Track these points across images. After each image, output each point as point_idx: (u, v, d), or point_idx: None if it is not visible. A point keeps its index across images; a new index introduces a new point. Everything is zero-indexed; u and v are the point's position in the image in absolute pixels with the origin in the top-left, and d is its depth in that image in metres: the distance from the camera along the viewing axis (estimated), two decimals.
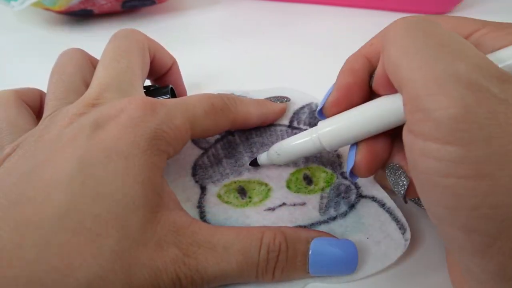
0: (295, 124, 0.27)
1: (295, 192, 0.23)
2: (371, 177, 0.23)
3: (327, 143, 0.20)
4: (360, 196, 0.22)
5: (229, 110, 0.22)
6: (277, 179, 0.23)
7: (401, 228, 0.20)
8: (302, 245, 0.19)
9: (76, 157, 0.17)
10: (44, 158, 0.17)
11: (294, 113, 0.27)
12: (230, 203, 0.22)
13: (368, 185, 0.23)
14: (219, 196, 0.23)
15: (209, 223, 0.21)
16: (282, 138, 0.25)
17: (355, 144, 0.20)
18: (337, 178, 0.24)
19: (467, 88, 0.13)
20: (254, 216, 0.22)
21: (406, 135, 0.15)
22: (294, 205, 0.22)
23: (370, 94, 0.20)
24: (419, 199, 0.19)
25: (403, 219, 0.21)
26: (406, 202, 0.19)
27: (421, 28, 0.15)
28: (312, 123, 0.26)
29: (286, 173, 0.24)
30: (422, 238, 0.21)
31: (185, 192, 0.23)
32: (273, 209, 0.22)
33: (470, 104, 0.13)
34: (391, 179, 0.19)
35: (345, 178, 0.24)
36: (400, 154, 0.19)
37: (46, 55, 0.38)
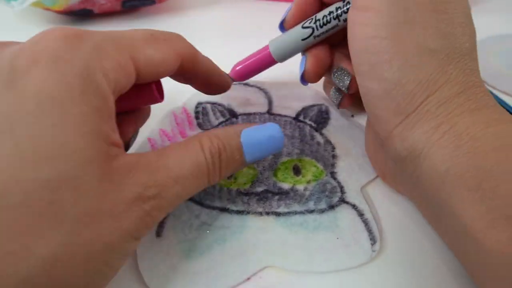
0: (301, 117, 0.28)
1: (281, 181, 0.24)
2: (358, 187, 0.24)
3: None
4: (343, 201, 0.23)
5: (173, 41, 0.20)
6: (266, 167, 0.25)
7: (372, 239, 0.21)
8: (235, 139, 0.20)
9: None
10: None
11: (303, 108, 0.29)
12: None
13: (353, 192, 0.24)
14: None
15: (194, 198, 0.23)
16: (285, 128, 0.27)
17: (304, 56, 0.25)
18: (326, 175, 0.24)
19: None
20: (238, 197, 0.23)
21: (350, 13, 0.20)
22: (276, 193, 0.23)
23: (320, 8, 0.24)
24: (352, 106, 0.27)
25: (376, 232, 0.21)
26: (339, 106, 0.26)
27: None
28: (318, 121, 0.28)
29: (277, 160, 0.25)
30: (390, 252, 0.21)
31: None
32: (256, 193, 0.23)
33: None
34: (337, 78, 0.25)
35: (334, 178, 0.24)
36: (342, 60, 0.25)
37: None
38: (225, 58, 0.35)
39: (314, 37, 0.24)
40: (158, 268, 0.20)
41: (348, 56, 0.22)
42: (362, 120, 0.28)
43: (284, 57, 0.26)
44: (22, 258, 0.13)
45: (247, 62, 0.27)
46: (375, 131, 0.21)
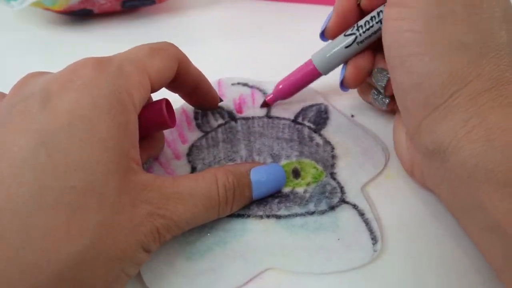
0: (299, 119, 0.28)
1: None
2: (358, 187, 0.24)
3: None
4: (343, 201, 0.23)
5: (169, 50, 0.22)
6: None
7: (373, 239, 0.21)
8: (246, 177, 0.22)
9: (33, 130, 0.16)
10: None
11: (302, 109, 0.29)
12: None
13: (353, 193, 0.23)
14: None
15: None
16: (283, 132, 0.27)
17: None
18: (326, 176, 0.24)
19: None
20: None
21: (385, 10, 0.20)
22: (276, 196, 0.23)
23: (360, 16, 0.24)
24: (388, 98, 0.26)
25: (377, 232, 0.21)
26: (385, 104, 0.25)
27: None
28: (317, 122, 0.28)
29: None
30: (392, 251, 0.21)
31: (175, 172, 0.25)
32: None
33: None
34: (376, 78, 0.25)
35: (334, 179, 0.24)
36: (382, 61, 0.24)
37: (46, 55, 0.38)
38: (225, 58, 0.35)
39: (358, 43, 0.24)
40: (159, 270, 0.20)
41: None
42: (362, 119, 0.28)
43: (329, 69, 0.26)
44: (54, 254, 0.15)
45: (291, 79, 0.27)
46: (405, 124, 0.22)
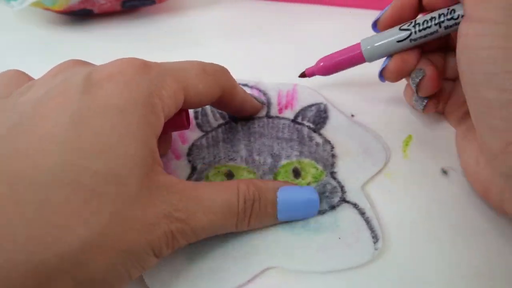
0: (299, 119, 0.28)
1: None
2: (358, 186, 0.24)
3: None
4: (344, 200, 0.23)
5: (219, 76, 0.23)
6: (266, 171, 0.25)
7: (374, 237, 0.21)
8: (271, 194, 0.21)
9: (70, 110, 0.17)
10: (33, 113, 0.17)
11: (301, 109, 0.29)
12: None
13: (353, 192, 0.23)
14: (206, 177, 0.24)
15: None
16: (283, 131, 0.27)
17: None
18: (326, 176, 0.24)
19: None
20: None
21: (463, 23, 0.19)
22: None
23: (417, 13, 0.24)
24: (424, 100, 0.25)
25: (378, 230, 0.21)
26: (422, 106, 0.25)
27: None
28: (317, 121, 0.28)
29: (277, 164, 0.25)
30: (393, 250, 0.21)
31: (175, 172, 0.25)
32: None
33: None
34: (413, 77, 0.24)
35: (334, 178, 0.24)
36: (425, 65, 0.24)
37: (46, 55, 0.38)
38: (225, 58, 0.35)
39: (411, 40, 0.24)
40: (161, 272, 0.20)
41: (430, 63, 0.24)
42: (362, 119, 0.28)
43: (375, 57, 0.26)
44: (64, 233, 0.15)
45: (335, 58, 0.27)
46: (485, 143, 0.20)
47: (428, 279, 0.20)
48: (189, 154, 0.26)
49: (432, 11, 0.23)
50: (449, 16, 0.22)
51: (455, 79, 0.26)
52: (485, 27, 0.18)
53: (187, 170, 0.25)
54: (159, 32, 0.40)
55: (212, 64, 0.23)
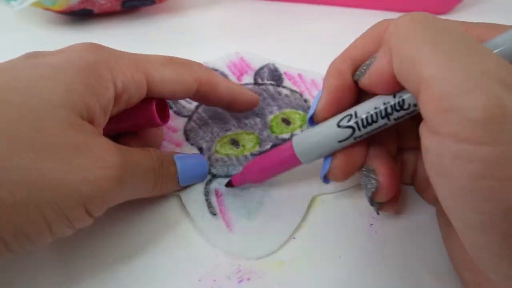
0: (259, 81, 0.31)
1: (279, 133, 0.27)
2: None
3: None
4: None
5: (191, 67, 0.23)
6: (261, 127, 0.27)
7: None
8: (169, 155, 0.22)
9: (10, 66, 0.19)
10: None
11: (255, 73, 0.32)
12: (228, 154, 0.26)
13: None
14: (217, 151, 0.26)
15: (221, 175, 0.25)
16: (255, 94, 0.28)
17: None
18: None
19: (500, 87, 0.13)
20: (254, 157, 0.25)
21: (429, 137, 0.14)
22: (281, 143, 0.25)
23: (357, 96, 0.20)
24: (378, 203, 0.21)
25: None
26: (376, 209, 0.21)
27: (438, 25, 0.15)
28: (274, 78, 0.31)
29: (267, 120, 0.28)
30: (391, 249, 0.21)
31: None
32: (267, 150, 0.25)
33: (506, 103, 0.12)
34: (363, 181, 0.20)
35: None
36: (374, 159, 0.20)
37: None
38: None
39: (355, 138, 0.19)
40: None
41: (381, 156, 0.20)
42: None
43: (312, 159, 0.21)
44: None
45: (264, 162, 0.22)
46: (480, 253, 0.15)
47: (426, 278, 0.20)
48: (187, 139, 0.27)
49: (373, 92, 0.19)
50: (397, 108, 0.18)
51: (417, 148, 0.21)
52: (470, 149, 0.13)
53: (195, 152, 0.26)
54: (159, 32, 0.40)
55: (182, 58, 0.23)
